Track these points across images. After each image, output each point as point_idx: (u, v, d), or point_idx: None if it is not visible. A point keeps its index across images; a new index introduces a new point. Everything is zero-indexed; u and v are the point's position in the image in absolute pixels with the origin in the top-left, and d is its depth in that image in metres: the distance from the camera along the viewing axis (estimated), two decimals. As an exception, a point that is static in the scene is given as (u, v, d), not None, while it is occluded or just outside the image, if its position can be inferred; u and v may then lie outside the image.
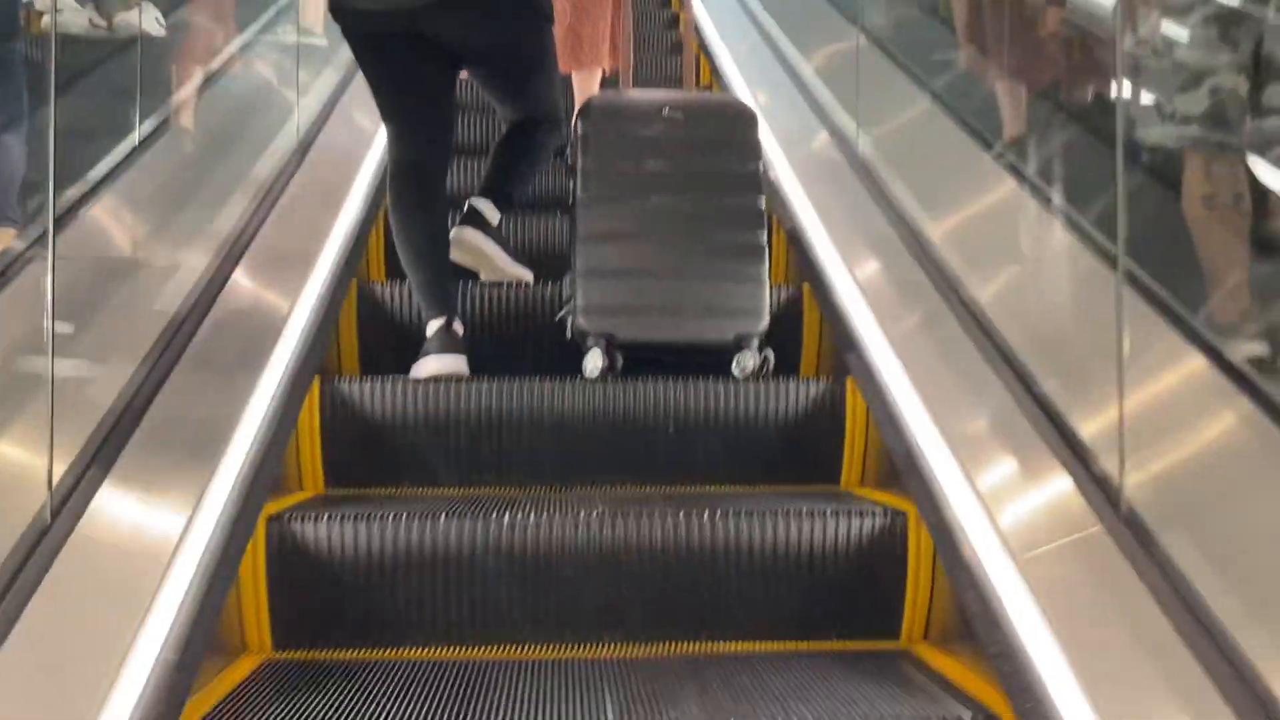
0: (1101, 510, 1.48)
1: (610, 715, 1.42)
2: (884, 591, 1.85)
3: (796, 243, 2.86)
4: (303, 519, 1.76)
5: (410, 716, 1.41)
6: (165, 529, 1.52)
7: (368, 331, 2.65)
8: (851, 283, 2.49)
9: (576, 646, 1.79)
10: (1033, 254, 2.15)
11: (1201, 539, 1.32)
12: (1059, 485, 1.57)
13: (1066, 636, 1.39)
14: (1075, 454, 1.57)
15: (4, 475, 1.41)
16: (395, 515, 1.78)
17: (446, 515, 1.79)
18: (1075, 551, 1.50)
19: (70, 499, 1.35)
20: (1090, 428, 1.59)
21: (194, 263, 2.06)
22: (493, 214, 2.59)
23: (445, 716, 1.41)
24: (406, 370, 2.44)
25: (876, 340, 2.24)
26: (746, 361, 2.39)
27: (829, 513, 1.84)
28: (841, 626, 1.85)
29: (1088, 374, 1.73)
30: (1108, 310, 1.75)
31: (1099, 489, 1.51)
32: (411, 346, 2.59)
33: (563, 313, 2.50)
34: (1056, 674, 1.36)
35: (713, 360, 2.44)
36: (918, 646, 1.83)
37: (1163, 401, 1.58)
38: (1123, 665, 1.32)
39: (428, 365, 2.35)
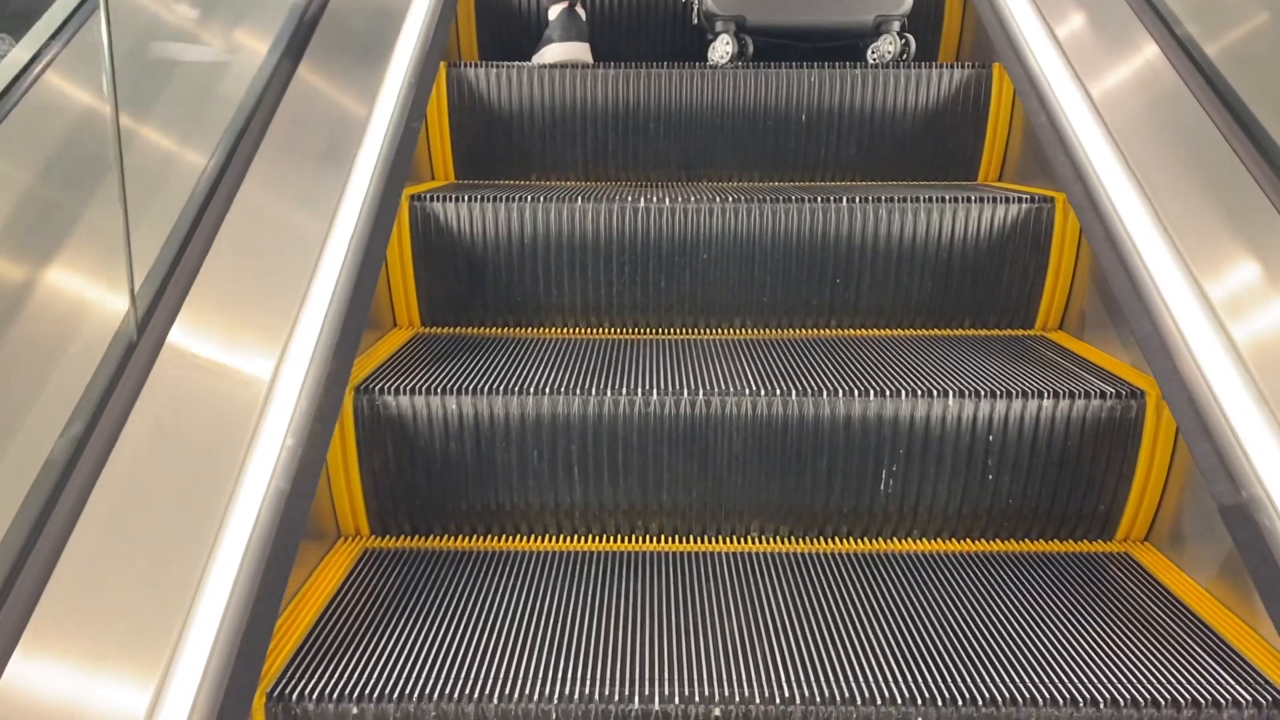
0: (1266, 182, 1.40)
1: (750, 377, 1.47)
2: (1021, 281, 1.82)
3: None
4: (443, 199, 1.79)
5: (559, 379, 1.47)
6: (318, 207, 1.56)
7: (485, 18, 2.56)
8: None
9: (713, 329, 1.83)
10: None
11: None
12: (1231, 176, 1.48)
13: (1225, 317, 1.35)
14: (1259, 146, 1.47)
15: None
16: (533, 196, 1.79)
17: (583, 198, 1.79)
18: (1234, 228, 1.44)
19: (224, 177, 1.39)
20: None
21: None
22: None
23: (591, 376, 1.48)
24: (527, 59, 2.38)
25: (1028, 18, 2.07)
26: (885, 47, 2.26)
27: (972, 199, 1.79)
28: (975, 314, 1.85)
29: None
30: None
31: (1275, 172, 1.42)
32: (530, 34, 2.51)
33: (689, -5, 2.37)
34: (1209, 353, 1.34)
35: (849, 47, 2.30)
36: (1054, 334, 1.82)
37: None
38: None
39: (551, 51, 2.28)
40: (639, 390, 1.43)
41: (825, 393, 1.42)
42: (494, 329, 1.85)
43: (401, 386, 1.44)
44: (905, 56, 2.27)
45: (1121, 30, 1.85)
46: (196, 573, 0.99)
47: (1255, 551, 1.13)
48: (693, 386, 1.44)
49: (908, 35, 2.28)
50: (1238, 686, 1.10)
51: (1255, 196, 1.42)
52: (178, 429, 1.11)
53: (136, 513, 1.00)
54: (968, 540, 1.49)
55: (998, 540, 1.49)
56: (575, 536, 1.49)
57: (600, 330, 1.84)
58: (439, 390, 1.44)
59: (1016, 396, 1.42)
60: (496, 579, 1.35)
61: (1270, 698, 1.08)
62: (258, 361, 1.25)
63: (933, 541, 1.48)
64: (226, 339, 1.26)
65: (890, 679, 1.11)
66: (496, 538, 1.48)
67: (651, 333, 1.83)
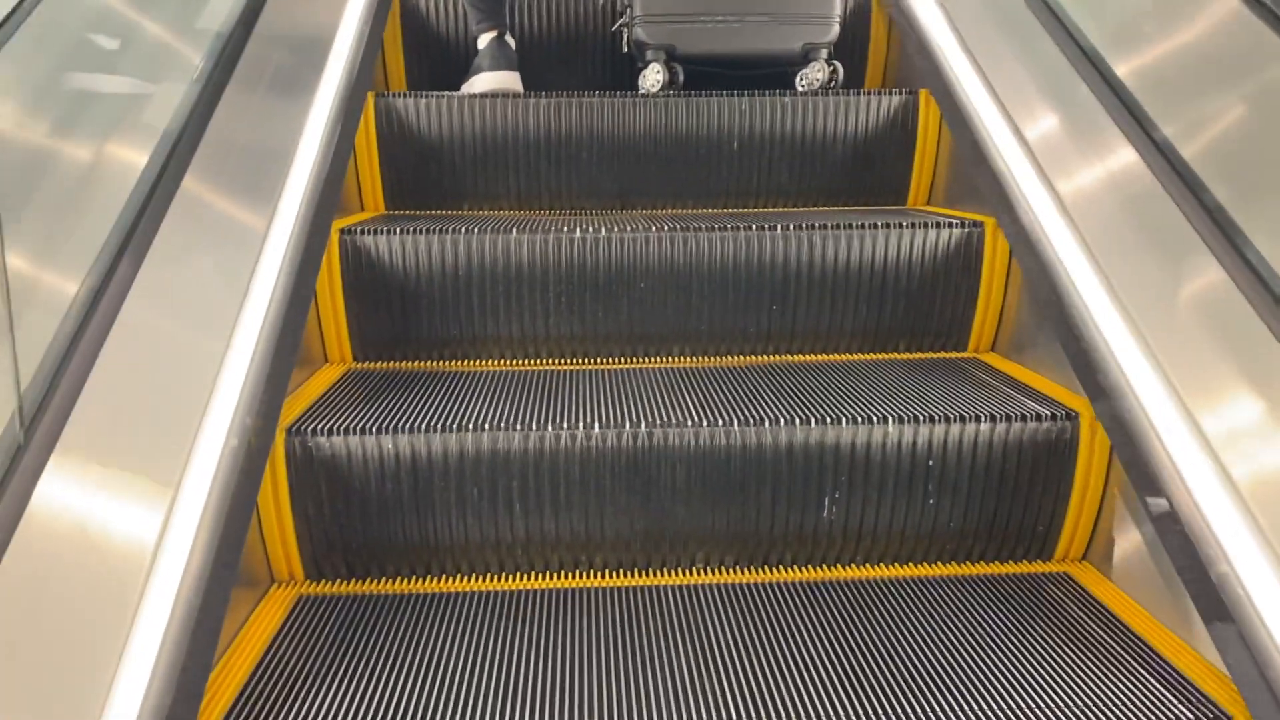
0: (1186, 206, 1.43)
1: (691, 407, 1.46)
2: (954, 304, 1.85)
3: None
4: (374, 231, 1.75)
5: (498, 414, 1.45)
6: (242, 245, 1.51)
7: (412, 49, 2.54)
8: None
9: (651, 358, 1.82)
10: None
11: None
12: (1146, 190, 1.52)
13: (1150, 335, 1.38)
14: (1182, 177, 1.50)
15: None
16: (467, 227, 1.77)
17: (518, 229, 1.77)
18: (1156, 251, 1.47)
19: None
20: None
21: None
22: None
23: (531, 410, 1.46)
24: (456, 89, 2.36)
25: (953, 48, 2.11)
26: (814, 75, 2.28)
27: (904, 224, 1.81)
28: (910, 338, 1.87)
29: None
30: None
31: (1192, 194, 1.46)
32: (458, 64, 2.49)
33: (619, 24, 2.37)
34: (1138, 372, 1.37)
35: (778, 73, 2.33)
36: (986, 355, 1.85)
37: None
38: (1200, 355, 1.31)
39: (482, 80, 2.26)
40: (580, 424, 1.41)
41: (767, 421, 1.42)
42: (428, 363, 1.81)
43: (335, 427, 1.40)
44: (833, 83, 2.30)
45: (1041, 58, 1.90)
46: (120, 637, 0.94)
47: (1194, 574, 1.15)
48: (634, 418, 1.42)
49: (835, 62, 2.31)
50: (1180, 705, 1.12)
51: (1179, 221, 1.46)
52: (100, 490, 1.05)
53: (50, 583, 0.95)
54: (910, 564, 1.49)
55: (939, 564, 1.49)
56: (518, 574, 1.46)
57: (537, 362, 1.82)
58: (374, 429, 1.40)
59: (955, 421, 1.43)
60: (438, 623, 1.32)
61: (1211, 714, 1.09)
62: (182, 406, 1.20)
63: (876, 567, 1.48)
64: (140, 417, 1.20)
65: (845, 713, 1.10)
66: (436, 579, 1.45)
67: (589, 363, 1.81)
